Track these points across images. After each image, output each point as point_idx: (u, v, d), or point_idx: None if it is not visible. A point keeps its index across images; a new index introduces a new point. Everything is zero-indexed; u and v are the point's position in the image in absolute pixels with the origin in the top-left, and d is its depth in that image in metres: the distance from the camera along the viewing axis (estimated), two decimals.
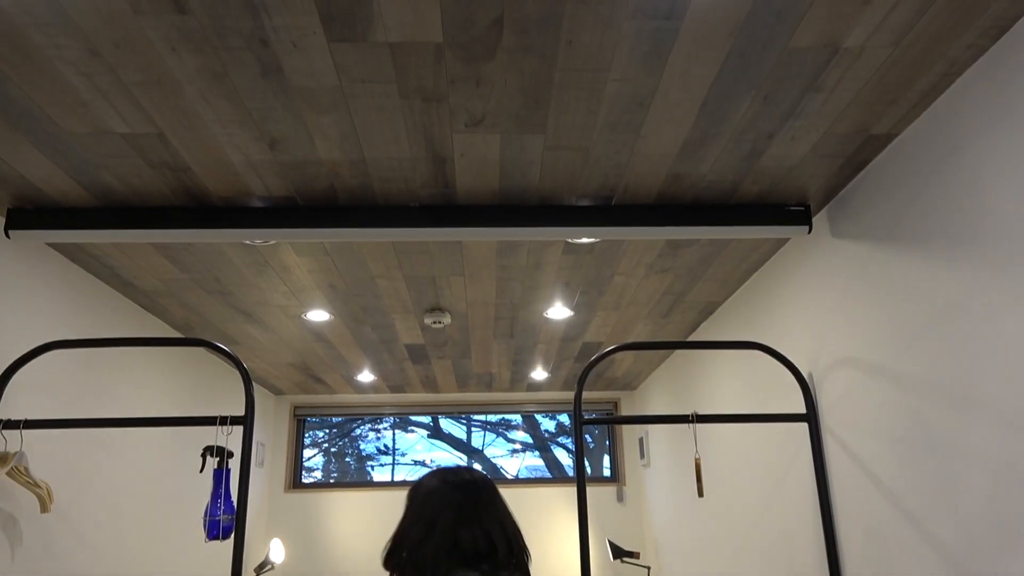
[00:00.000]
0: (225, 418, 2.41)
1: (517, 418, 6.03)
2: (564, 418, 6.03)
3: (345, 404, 5.82)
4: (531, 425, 6.03)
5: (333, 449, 6.00)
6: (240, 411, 4.91)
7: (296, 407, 5.83)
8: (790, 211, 2.48)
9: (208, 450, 2.36)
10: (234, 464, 2.48)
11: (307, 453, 5.92)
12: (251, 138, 2.02)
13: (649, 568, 4.93)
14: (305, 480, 5.82)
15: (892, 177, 2.11)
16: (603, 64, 1.73)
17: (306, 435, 5.93)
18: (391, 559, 1.39)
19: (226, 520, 2.28)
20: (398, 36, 1.63)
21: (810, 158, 2.18)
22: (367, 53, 1.68)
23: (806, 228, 2.47)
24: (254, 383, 5.23)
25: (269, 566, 4.81)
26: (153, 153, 2.09)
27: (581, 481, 2.51)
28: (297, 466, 5.79)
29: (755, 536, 3.20)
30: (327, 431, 6.00)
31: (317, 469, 5.89)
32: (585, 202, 2.43)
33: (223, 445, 2.37)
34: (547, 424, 6.03)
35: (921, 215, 1.97)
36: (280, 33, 1.61)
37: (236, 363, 2.47)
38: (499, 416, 6.03)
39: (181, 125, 1.96)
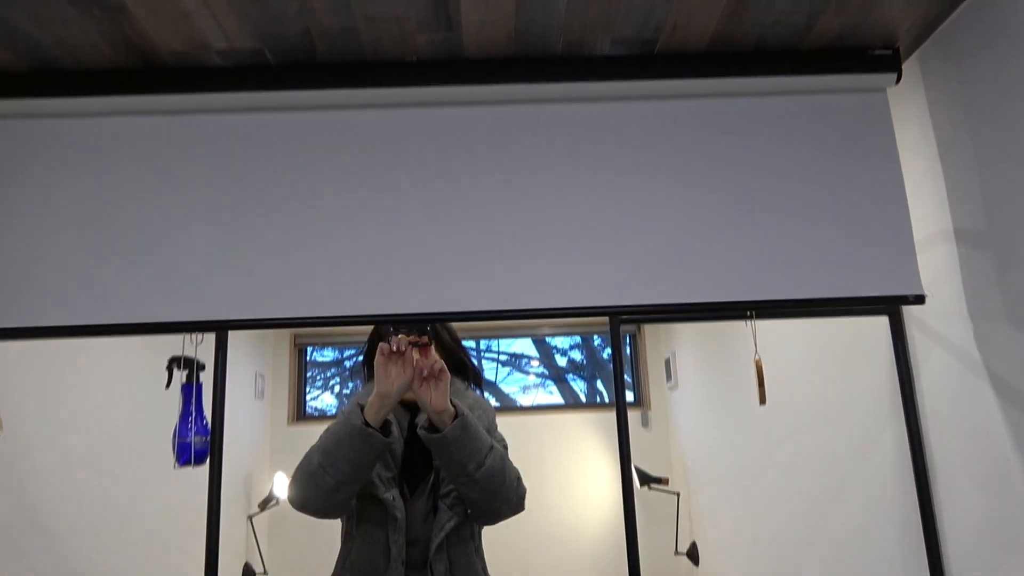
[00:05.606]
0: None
1: (530, 348, 5.64)
2: (576, 354, 5.67)
3: (349, 333, 5.44)
4: (545, 354, 5.67)
5: (345, 390, 5.68)
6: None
7: (296, 336, 5.47)
8: (874, 56, 2.02)
9: (175, 361, 1.97)
10: (207, 377, 2.09)
11: (314, 393, 5.59)
12: None
13: (679, 494, 4.61)
14: (310, 412, 5.50)
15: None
16: None
17: (313, 372, 5.60)
18: None
19: (199, 443, 1.90)
20: None
21: None
22: None
23: (893, 76, 2.01)
24: None
25: (274, 501, 4.52)
26: None
27: (620, 391, 2.11)
28: (300, 398, 5.46)
29: (814, 444, 2.82)
30: (333, 369, 5.68)
31: (329, 409, 5.57)
32: (621, 50, 1.97)
33: (192, 356, 1.98)
34: (560, 361, 5.68)
35: None
36: None
37: None
38: (511, 350, 5.65)
39: None
